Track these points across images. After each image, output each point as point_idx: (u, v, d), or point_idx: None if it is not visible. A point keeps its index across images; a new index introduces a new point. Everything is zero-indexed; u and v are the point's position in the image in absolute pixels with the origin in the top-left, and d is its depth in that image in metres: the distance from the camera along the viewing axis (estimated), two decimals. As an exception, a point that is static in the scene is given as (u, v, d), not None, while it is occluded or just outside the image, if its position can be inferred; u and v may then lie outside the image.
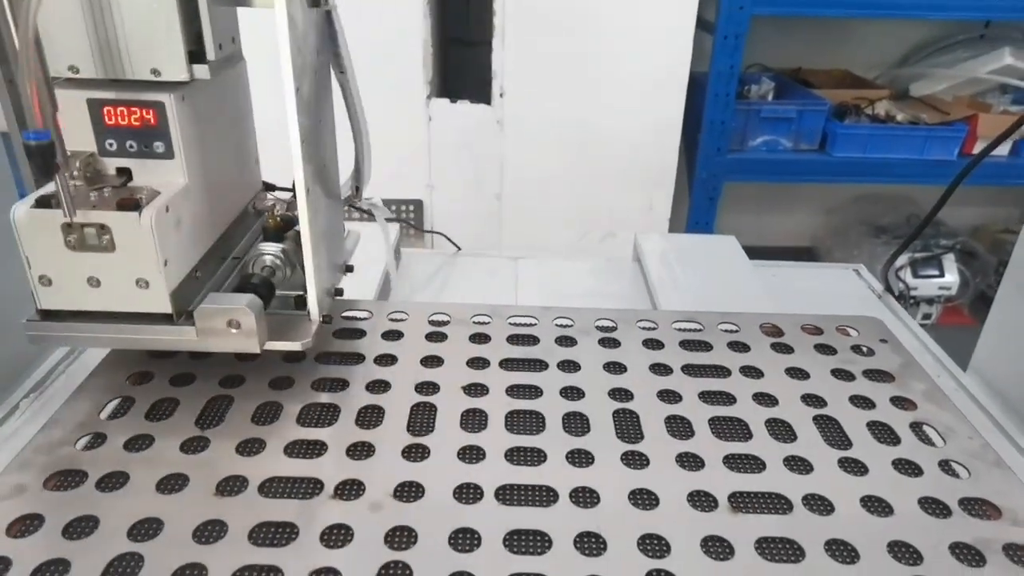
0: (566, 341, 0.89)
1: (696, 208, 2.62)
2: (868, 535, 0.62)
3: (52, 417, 0.74)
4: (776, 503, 0.66)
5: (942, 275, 2.80)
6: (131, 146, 0.71)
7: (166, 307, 0.71)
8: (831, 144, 2.57)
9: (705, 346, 0.88)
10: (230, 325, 0.71)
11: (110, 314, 0.72)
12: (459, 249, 1.36)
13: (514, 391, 0.80)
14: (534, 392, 0.80)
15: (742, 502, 0.66)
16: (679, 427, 0.75)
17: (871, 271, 1.28)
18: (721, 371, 0.84)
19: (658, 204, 2.32)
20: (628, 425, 0.76)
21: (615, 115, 2.19)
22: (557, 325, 0.92)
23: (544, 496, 0.67)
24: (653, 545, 0.62)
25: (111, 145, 0.71)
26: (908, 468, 0.70)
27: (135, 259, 0.69)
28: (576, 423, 0.76)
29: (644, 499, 0.66)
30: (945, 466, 0.71)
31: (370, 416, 0.76)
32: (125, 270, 0.69)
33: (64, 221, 0.67)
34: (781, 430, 0.75)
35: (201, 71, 0.70)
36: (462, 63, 2.25)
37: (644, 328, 0.91)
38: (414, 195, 2.26)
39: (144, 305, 0.71)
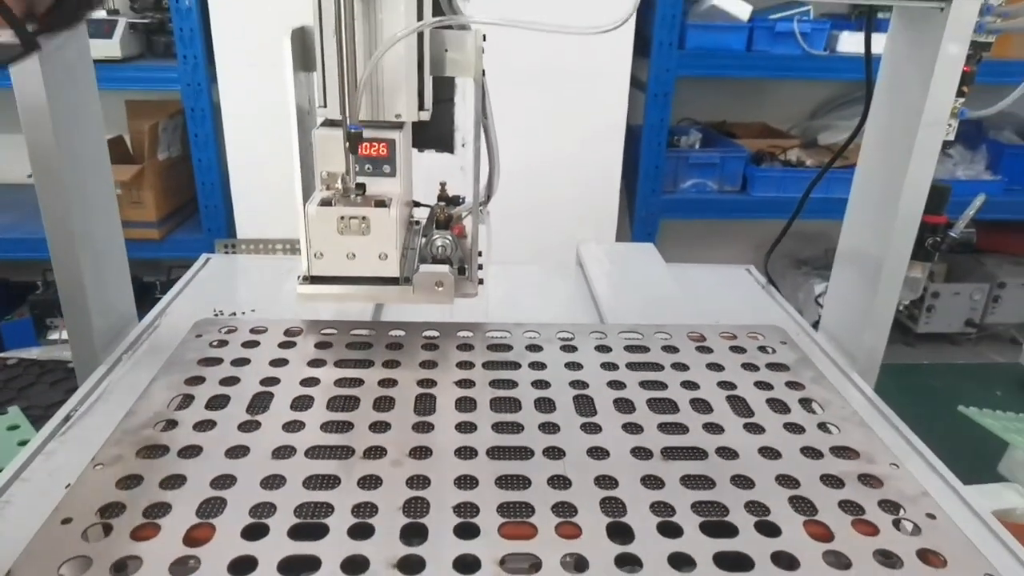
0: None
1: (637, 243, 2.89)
2: (763, 471, 0.86)
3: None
4: (696, 454, 0.89)
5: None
6: (368, 168, 0.99)
7: (396, 272, 1.00)
8: (751, 185, 2.94)
9: (644, 349, 1.12)
10: (437, 285, 1.00)
11: (355, 278, 0.99)
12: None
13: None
14: (511, 385, 1.02)
15: (672, 454, 0.89)
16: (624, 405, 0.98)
17: (793, 297, 1.55)
18: (658, 367, 1.08)
19: (604, 240, 2.55)
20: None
21: (563, 162, 2.47)
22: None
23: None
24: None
25: (356, 167, 0.96)
26: (795, 428, 0.95)
27: (381, 239, 0.97)
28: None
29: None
30: (823, 427, 0.95)
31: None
32: (373, 247, 0.97)
33: (340, 215, 0.95)
34: (702, 406, 0.99)
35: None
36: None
37: (596, 338, 1.15)
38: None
39: (382, 271, 0.99)
